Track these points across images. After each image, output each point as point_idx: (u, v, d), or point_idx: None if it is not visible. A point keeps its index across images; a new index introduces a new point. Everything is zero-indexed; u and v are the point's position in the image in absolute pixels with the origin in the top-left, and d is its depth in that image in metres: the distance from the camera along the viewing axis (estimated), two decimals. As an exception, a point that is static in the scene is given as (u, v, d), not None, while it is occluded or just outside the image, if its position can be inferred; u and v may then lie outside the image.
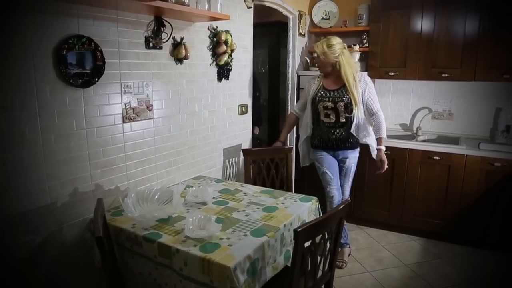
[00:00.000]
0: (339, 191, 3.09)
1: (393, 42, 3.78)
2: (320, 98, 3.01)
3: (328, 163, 3.08)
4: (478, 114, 3.85)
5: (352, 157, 3.09)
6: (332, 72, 2.99)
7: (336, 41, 2.94)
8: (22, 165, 1.75)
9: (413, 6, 3.61)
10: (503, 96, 3.69)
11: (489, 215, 3.30)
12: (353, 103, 2.92)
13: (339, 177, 3.11)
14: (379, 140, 3.02)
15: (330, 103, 2.97)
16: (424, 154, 3.49)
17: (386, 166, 3.00)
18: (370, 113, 3.03)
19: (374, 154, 3.09)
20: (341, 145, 3.04)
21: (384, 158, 2.99)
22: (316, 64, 3.04)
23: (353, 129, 2.99)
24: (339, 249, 3.20)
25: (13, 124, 1.70)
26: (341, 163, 3.10)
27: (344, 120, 2.98)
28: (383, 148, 3.01)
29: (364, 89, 2.98)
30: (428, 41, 3.60)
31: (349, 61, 2.96)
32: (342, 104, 2.94)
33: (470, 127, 3.90)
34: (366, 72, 3.83)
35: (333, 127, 3.02)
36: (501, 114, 3.56)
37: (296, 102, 3.82)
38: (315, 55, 3.35)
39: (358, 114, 2.97)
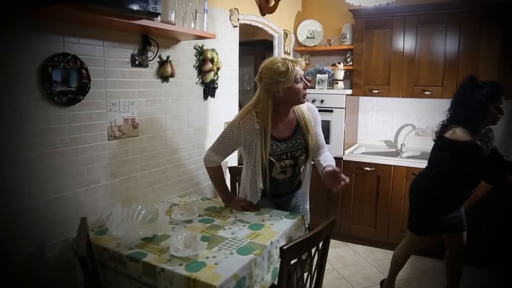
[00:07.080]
0: None
1: (377, 61, 3.86)
2: (277, 157, 2.23)
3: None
4: (460, 131, 3.92)
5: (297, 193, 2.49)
6: (278, 109, 2.20)
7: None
8: (2, 183, 1.71)
9: (395, 26, 3.71)
10: (484, 113, 3.78)
11: (473, 231, 3.33)
12: (309, 147, 2.30)
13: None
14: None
15: (289, 160, 2.26)
16: (409, 171, 3.54)
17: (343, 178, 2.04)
18: (318, 148, 2.33)
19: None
20: (287, 190, 2.45)
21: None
22: (281, 98, 2.14)
23: (301, 170, 2.41)
24: None
25: (-5, 142, 1.67)
26: (286, 204, 2.48)
27: (300, 171, 2.43)
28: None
29: (315, 122, 2.34)
30: (410, 60, 3.69)
31: None
32: (303, 157, 2.31)
33: (453, 144, 3.97)
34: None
35: (284, 182, 2.38)
36: (482, 131, 3.63)
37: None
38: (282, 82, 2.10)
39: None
